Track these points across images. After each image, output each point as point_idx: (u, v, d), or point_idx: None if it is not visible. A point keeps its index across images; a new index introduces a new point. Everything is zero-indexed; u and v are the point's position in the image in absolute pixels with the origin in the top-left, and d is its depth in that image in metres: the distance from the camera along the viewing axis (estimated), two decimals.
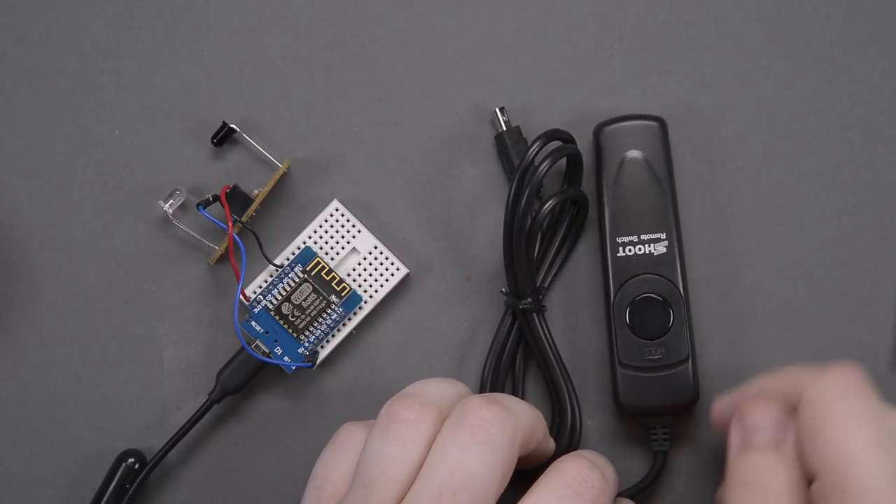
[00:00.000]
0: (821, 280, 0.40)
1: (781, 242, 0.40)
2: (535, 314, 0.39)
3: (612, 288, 0.39)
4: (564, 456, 0.34)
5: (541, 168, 0.36)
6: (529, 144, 0.37)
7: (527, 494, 0.32)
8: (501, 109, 0.40)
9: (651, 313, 0.38)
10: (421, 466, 0.32)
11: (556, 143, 0.38)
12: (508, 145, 0.40)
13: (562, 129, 0.38)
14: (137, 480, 0.39)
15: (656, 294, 0.38)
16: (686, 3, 0.41)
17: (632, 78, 0.41)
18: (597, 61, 0.41)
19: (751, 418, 0.32)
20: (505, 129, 0.40)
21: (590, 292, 0.40)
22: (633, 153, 0.39)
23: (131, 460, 0.39)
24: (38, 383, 0.41)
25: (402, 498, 0.32)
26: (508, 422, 0.32)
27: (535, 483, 0.33)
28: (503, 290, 0.39)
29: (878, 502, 0.29)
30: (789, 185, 0.41)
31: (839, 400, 0.31)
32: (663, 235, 0.39)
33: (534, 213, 0.37)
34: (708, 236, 0.40)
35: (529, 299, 0.38)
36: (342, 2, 0.41)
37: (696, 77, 0.41)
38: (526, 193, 0.37)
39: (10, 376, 0.41)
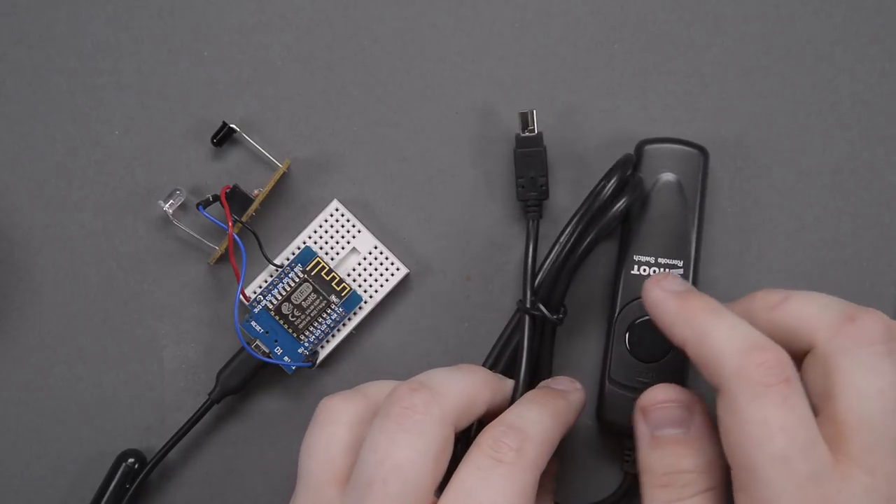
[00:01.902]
0: (821, 280, 0.40)
1: (781, 242, 0.40)
2: (553, 327, 0.38)
3: (618, 303, 0.38)
4: (489, 423, 0.33)
5: (614, 210, 0.36)
6: (603, 181, 0.37)
7: (455, 473, 0.32)
8: (533, 112, 0.39)
9: (650, 337, 0.38)
10: (345, 447, 0.33)
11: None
12: (534, 150, 0.39)
13: (630, 156, 0.38)
14: (137, 480, 0.39)
15: None
16: (686, 3, 0.41)
17: (632, 78, 0.41)
18: (597, 61, 0.41)
19: (655, 413, 0.33)
20: (536, 131, 0.39)
21: (593, 300, 0.40)
22: (669, 176, 0.38)
23: (131, 460, 0.39)
24: (38, 383, 0.41)
25: (338, 483, 0.33)
26: (434, 405, 0.32)
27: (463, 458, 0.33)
28: (530, 304, 0.38)
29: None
30: (789, 185, 0.41)
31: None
32: (680, 263, 0.38)
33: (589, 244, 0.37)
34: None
35: (560, 314, 0.38)
36: (342, 2, 0.41)
37: (696, 77, 0.41)
38: (593, 235, 0.36)
39: (10, 376, 0.41)
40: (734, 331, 0.31)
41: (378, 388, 0.35)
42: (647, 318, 0.38)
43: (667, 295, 0.34)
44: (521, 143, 0.39)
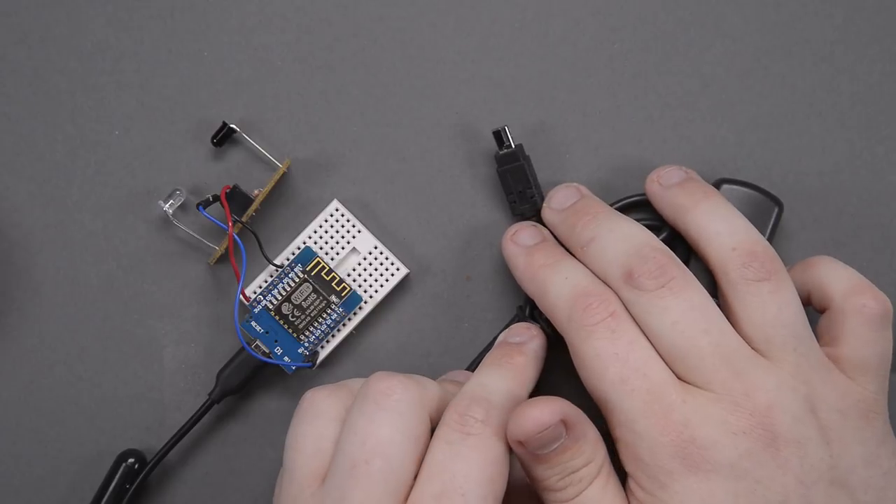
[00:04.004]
0: None
1: (781, 243, 0.40)
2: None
3: None
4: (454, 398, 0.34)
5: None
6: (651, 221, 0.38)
7: (427, 452, 0.33)
8: (505, 128, 0.39)
9: None
10: (333, 443, 0.33)
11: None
12: (514, 166, 0.39)
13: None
14: (137, 480, 0.39)
15: None
16: (686, 3, 0.41)
17: (632, 78, 0.41)
18: (597, 61, 0.41)
19: (531, 443, 0.31)
20: (513, 146, 0.39)
21: None
22: None
23: (131, 460, 0.39)
24: (38, 383, 0.41)
25: (323, 477, 0.33)
26: (412, 387, 0.33)
27: None
28: (528, 312, 0.39)
29: None
30: (789, 185, 0.41)
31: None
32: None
33: None
34: None
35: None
36: (342, 2, 0.41)
37: (696, 77, 0.41)
38: None
39: (10, 376, 0.41)
40: (565, 281, 0.34)
41: (357, 382, 0.35)
42: None
43: (518, 250, 0.37)
44: (501, 161, 0.39)
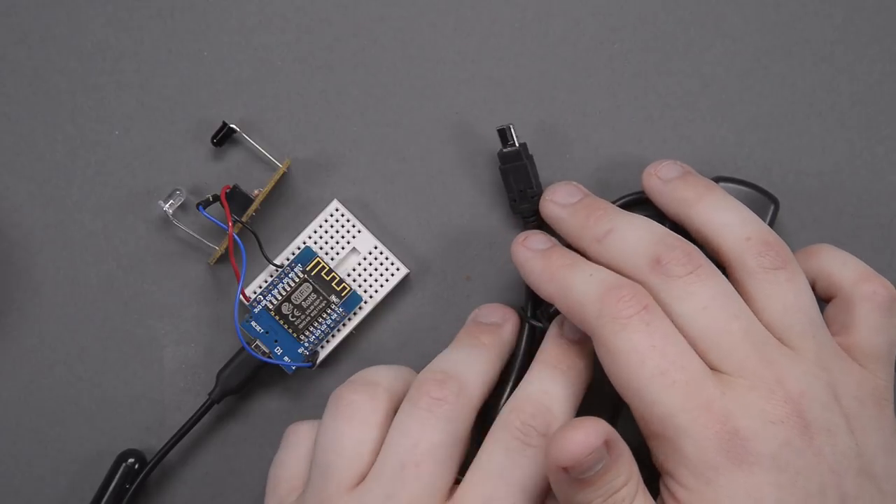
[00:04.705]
0: None
1: None
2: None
3: None
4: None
5: None
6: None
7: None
8: (510, 127, 0.39)
9: None
10: (375, 447, 0.34)
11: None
12: (517, 165, 0.39)
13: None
14: (137, 480, 0.39)
15: None
16: (686, 3, 0.41)
17: (632, 78, 0.41)
18: (597, 61, 0.41)
19: (576, 469, 0.30)
20: (517, 145, 0.39)
21: None
22: None
23: (131, 460, 0.39)
24: (38, 383, 0.41)
25: (360, 479, 0.33)
26: (464, 394, 0.34)
27: None
28: (531, 314, 0.39)
29: None
30: (789, 185, 0.41)
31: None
32: None
33: None
34: None
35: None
36: (342, 2, 0.41)
37: (696, 77, 0.41)
38: None
39: (10, 376, 0.41)
40: (591, 278, 0.34)
41: (395, 380, 0.36)
42: None
43: (532, 254, 0.36)
44: (503, 159, 0.39)
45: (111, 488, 0.39)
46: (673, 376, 0.31)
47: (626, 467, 0.31)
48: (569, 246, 0.37)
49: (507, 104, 0.41)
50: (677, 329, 0.32)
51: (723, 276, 0.33)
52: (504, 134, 0.39)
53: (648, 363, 0.31)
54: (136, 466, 0.39)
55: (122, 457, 0.40)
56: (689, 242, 0.34)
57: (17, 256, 0.41)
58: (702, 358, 0.32)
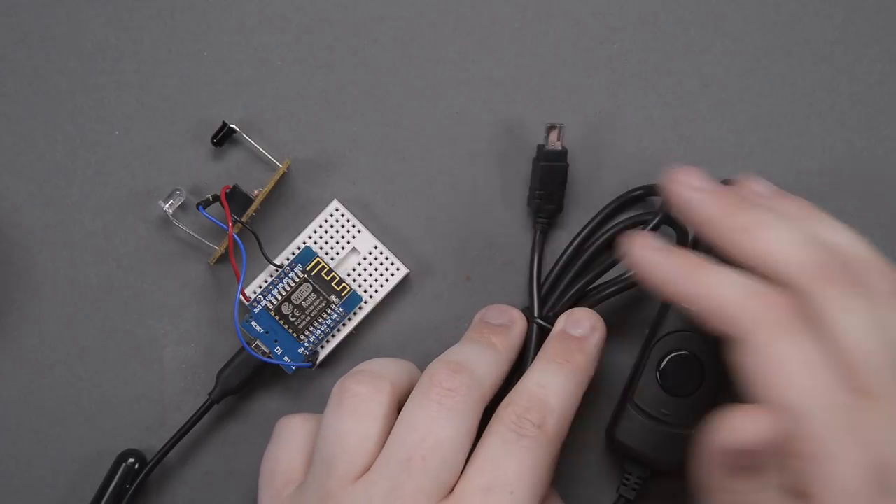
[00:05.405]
0: None
1: None
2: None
3: (660, 329, 0.38)
4: (511, 395, 0.34)
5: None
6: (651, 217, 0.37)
7: (479, 446, 0.33)
8: (562, 126, 0.39)
9: (685, 373, 0.37)
10: (379, 441, 0.33)
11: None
12: (558, 165, 0.39)
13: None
14: (137, 480, 0.39)
15: (699, 358, 0.37)
16: (686, 3, 0.41)
17: (632, 78, 0.41)
18: (597, 61, 0.41)
19: (744, 459, 0.29)
20: (562, 147, 0.39)
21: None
22: None
23: (131, 460, 0.39)
24: (38, 383, 0.41)
25: (364, 472, 0.33)
26: (475, 387, 0.34)
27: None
28: (537, 313, 0.39)
29: None
30: (789, 186, 0.41)
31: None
32: None
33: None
34: None
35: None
36: (342, 2, 0.41)
37: (696, 77, 0.41)
38: (611, 260, 0.38)
39: (10, 376, 0.41)
40: (738, 279, 0.31)
41: (400, 373, 0.36)
42: (684, 352, 0.37)
43: (660, 255, 0.33)
44: (545, 156, 0.39)
45: (111, 488, 0.39)
46: (831, 397, 0.29)
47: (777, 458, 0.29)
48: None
49: (506, 104, 0.41)
50: (833, 342, 0.30)
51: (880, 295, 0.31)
52: (553, 132, 0.39)
53: (803, 376, 0.29)
54: (136, 466, 0.39)
55: (122, 457, 0.40)
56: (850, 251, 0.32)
57: (17, 256, 0.41)
58: (853, 378, 0.29)
